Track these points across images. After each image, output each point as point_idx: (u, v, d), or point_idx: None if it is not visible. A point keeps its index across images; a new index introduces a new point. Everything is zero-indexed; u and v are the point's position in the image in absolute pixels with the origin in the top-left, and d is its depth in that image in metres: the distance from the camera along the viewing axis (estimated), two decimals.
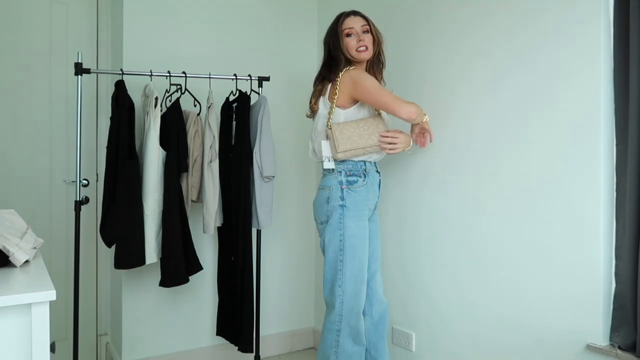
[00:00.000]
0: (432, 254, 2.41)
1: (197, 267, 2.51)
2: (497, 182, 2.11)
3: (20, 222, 1.64)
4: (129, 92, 2.37)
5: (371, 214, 2.22)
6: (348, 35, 2.15)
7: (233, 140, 2.59)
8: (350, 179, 2.12)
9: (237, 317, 2.60)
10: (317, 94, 2.21)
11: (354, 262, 2.10)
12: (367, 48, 2.14)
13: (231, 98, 2.63)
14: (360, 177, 2.12)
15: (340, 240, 2.10)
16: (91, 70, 2.37)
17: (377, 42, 2.20)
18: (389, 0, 2.66)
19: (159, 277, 2.46)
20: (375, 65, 2.25)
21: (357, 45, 2.13)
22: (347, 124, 2.10)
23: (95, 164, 2.89)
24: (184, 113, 2.48)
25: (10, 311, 1.12)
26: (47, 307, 1.15)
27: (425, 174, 2.43)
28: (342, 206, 2.09)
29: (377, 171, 2.22)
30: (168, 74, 2.47)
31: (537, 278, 1.95)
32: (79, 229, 2.37)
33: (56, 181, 2.80)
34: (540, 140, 1.95)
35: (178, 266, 2.40)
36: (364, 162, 2.15)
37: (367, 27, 2.17)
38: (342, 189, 2.10)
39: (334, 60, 2.16)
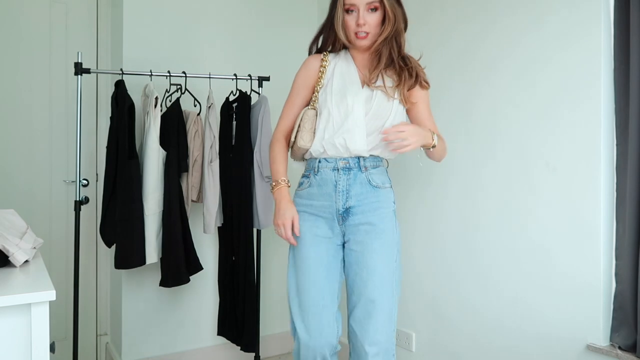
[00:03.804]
0: (432, 254, 2.40)
1: (197, 267, 2.51)
2: (496, 182, 2.11)
3: (20, 222, 1.64)
4: (129, 92, 2.37)
5: (348, 234, 1.73)
6: (348, 11, 1.67)
7: (233, 140, 2.59)
8: (300, 180, 1.82)
9: (238, 316, 2.60)
10: None
11: (294, 285, 1.73)
12: (367, 35, 1.67)
13: (231, 98, 2.63)
14: (308, 177, 1.77)
15: (289, 256, 1.79)
16: (91, 70, 2.37)
17: (393, 25, 1.67)
18: None
19: (159, 277, 2.46)
20: (387, 60, 1.70)
21: (355, 28, 1.66)
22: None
23: (95, 164, 2.89)
24: (184, 113, 2.48)
25: (10, 311, 1.12)
26: (46, 307, 1.15)
27: (425, 174, 2.43)
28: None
29: (344, 168, 1.71)
30: (168, 74, 2.47)
31: (537, 278, 1.95)
32: (78, 229, 2.37)
33: (56, 181, 2.80)
34: (541, 140, 1.94)
35: (178, 266, 2.40)
36: (320, 159, 1.74)
37: (377, 3, 1.64)
38: (295, 193, 1.83)
39: (329, 37, 1.77)
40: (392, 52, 1.70)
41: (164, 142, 2.39)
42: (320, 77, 1.77)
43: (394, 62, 1.70)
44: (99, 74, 2.84)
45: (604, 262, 1.76)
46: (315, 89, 1.77)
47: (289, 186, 1.77)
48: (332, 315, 1.69)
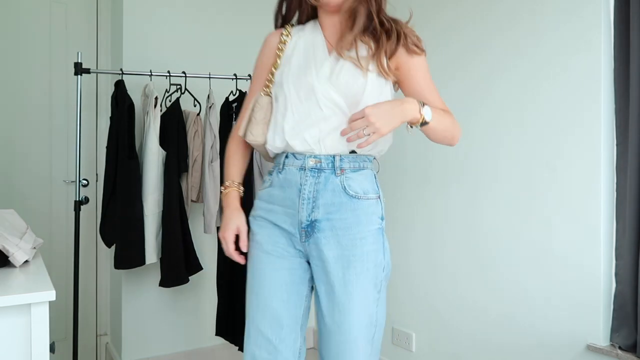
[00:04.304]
0: (432, 254, 2.40)
1: (197, 267, 2.51)
2: (497, 182, 2.11)
3: (19, 222, 1.63)
4: (128, 92, 2.37)
5: (313, 257, 1.34)
6: None
7: None
8: (264, 177, 1.55)
9: (237, 317, 2.60)
10: None
11: (248, 309, 1.39)
12: None
13: (231, 98, 2.62)
14: (271, 174, 1.41)
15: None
16: (91, 70, 2.37)
17: None
18: None
19: (159, 277, 2.45)
20: (364, 22, 1.32)
21: None
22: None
23: (95, 164, 2.89)
24: (183, 113, 2.48)
25: (9, 311, 1.12)
26: (46, 307, 1.15)
27: (425, 173, 2.43)
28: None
29: (313, 169, 1.32)
30: (168, 74, 2.47)
31: (537, 278, 1.95)
32: (78, 229, 2.37)
33: (56, 181, 2.80)
34: (541, 140, 1.94)
35: (178, 266, 2.39)
36: (287, 153, 1.37)
37: None
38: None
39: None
40: (370, 12, 1.31)
41: (163, 142, 2.39)
42: (277, 56, 1.41)
43: (373, 25, 1.32)
44: (99, 74, 2.84)
45: (604, 262, 1.76)
46: (271, 70, 1.42)
47: (242, 191, 1.46)
48: (291, 351, 1.33)
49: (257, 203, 1.42)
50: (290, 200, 1.33)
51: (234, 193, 1.43)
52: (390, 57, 1.32)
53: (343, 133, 1.26)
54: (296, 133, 1.32)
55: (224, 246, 1.41)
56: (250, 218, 1.43)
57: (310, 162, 1.32)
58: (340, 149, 1.31)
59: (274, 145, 1.36)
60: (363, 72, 1.30)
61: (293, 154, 1.34)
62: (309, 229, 1.32)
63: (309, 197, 1.31)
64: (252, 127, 1.38)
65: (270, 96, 1.40)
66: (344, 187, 1.31)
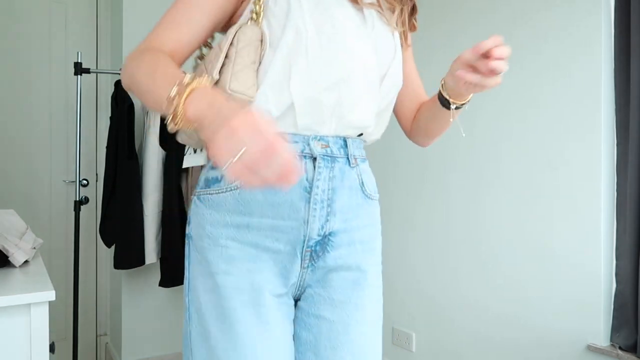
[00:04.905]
0: (432, 254, 2.40)
1: None
2: (497, 182, 2.11)
3: (19, 222, 1.63)
4: (128, 92, 2.37)
5: (315, 286, 0.92)
6: None
7: None
8: (210, 173, 0.92)
9: None
10: None
11: None
12: None
13: None
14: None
15: (187, 316, 0.91)
16: (91, 70, 2.37)
17: None
18: None
19: (159, 277, 2.45)
20: None
21: None
22: None
23: (95, 164, 2.89)
24: None
25: (9, 311, 1.11)
26: (46, 308, 1.15)
27: (426, 172, 2.43)
28: (187, 237, 0.94)
29: (325, 156, 0.89)
30: None
31: (537, 278, 1.95)
32: (78, 229, 2.37)
33: (56, 181, 2.80)
34: (541, 139, 1.94)
35: (178, 266, 2.39)
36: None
37: None
38: (193, 200, 0.94)
39: None
40: None
41: (163, 142, 2.39)
42: None
43: None
44: (99, 74, 2.84)
45: (605, 262, 1.76)
46: None
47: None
48: None
49: (211, 216, 0.87)
50: (289, 206, 0.86)
51: (208, 83, 0.71)
52: (410, 20, 1.03)
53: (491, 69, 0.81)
54: (313, 95, 0.86)
55: (276, 154, 0.61)
56: (202, 246, 0.88)
57: (318, 147, 0.88)
58: (354, 130, 0.92)
59: (267, 107, 0.85)
60: (391, 30, 0.97)
61: (290, 132, 0.87)
62: (318, 247, 0.89)
63: (323, 199, 0.88)
64: (238, 72, 0.83)
65: (261, 28, 0.87)
66: (362, 183, 0.94)
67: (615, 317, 1.74)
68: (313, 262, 0.90)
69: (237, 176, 0.60)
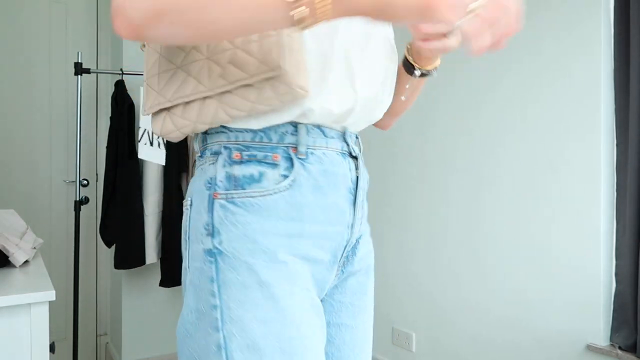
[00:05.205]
0: (432, 254, 2.40)
1: None
2: (497, 182, 2.11)
3: (19, 222, 1.64)
4: (128, 92, 2.37)
5: (339, 292, 0.84)
6: None
7: None
8: (246, 170, 0.72)
9: None
10: None
11: None
12: None
13: None
14: (276, 165, 0.72)
15: (225, 355, 0.66)
16: (91, 70, 2.37)
17: None
18: None
19: (159, 277, 2.46)
20: None
21: None
22: None
23: (95, 164, 2.89)
24: None
25: (9, 311, 1.12)
26: (46, 307, 1.15)
27: (425, 172, 2.43)
28: (212, 254, 0.70)
29: (348, 153, 0.79)
30: None
31: (537, 278, 1.95)
32: (78, 229, 2.37)
33: (56, 181, 2.80)
34: (541, 139, 1.94)
35: (178, 266, 2.40)
36: (308, 126, 0.74)
37: None
38: (212, 203, 0.71)
39: None
40: None
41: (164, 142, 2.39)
42: None
43: None
44: (99, 74, 2.84)
45: (604, 262, 1.76)
46: None
47: None
48: None
49: (260, 225, 0.70)
50: (336, 209, 0.76)
51: None
52: None
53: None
54: (340, 81, 0.74)
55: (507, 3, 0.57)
56: (253, 264, 0.69)
57: (356, 144, 0.81)
58: (371, 123, 0.85)
59: (309, 106, 0.72)
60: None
61: (318, 126, 0.74)
62: (350, 252, 0.81)
63: (362, 200, 0.81)
64: (292, 60, 0.67)
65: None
66: (368, 182, 0.90)
67: (614, 317, 1.74)
68: (343, 268, 0.81)
69: (476, 35, 0.52)
